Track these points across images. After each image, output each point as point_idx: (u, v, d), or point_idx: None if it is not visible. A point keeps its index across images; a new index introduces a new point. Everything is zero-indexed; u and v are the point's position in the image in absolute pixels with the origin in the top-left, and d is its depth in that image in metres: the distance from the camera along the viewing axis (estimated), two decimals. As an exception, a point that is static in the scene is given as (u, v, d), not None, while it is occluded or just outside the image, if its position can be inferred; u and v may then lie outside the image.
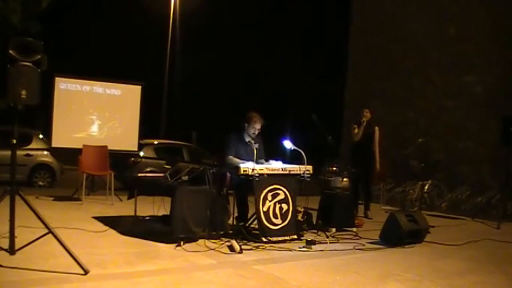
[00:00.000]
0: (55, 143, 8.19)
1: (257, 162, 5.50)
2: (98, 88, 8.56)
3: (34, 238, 3.88)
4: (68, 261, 3.66)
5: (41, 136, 10.55)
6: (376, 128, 7.78)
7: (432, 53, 11.14)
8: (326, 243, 5.33)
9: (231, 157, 5.65)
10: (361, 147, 7.66)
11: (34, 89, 3.79)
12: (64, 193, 8.04)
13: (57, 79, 8.11)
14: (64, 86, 8.20)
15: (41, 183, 10.44)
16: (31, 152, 10.26)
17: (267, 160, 5.75)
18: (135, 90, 8.87)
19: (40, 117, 13.37)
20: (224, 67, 23.18)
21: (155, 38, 21.01)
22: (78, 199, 7.48)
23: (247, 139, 5.75)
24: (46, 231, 3.78)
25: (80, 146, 7.87)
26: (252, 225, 5.62)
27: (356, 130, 7.67)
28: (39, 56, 3.82)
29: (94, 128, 8.47)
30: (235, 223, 5.63)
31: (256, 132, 5.75)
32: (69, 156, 9.74)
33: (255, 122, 5.71)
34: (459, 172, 10.24)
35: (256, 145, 5.61)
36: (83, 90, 8.37)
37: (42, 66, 3.84)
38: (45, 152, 10.40)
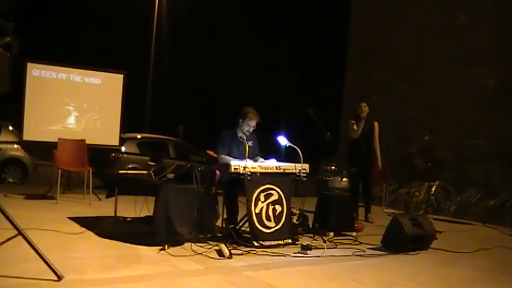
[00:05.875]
0: (27, 136, 8.14)
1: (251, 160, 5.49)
2: (76, 76, 8.51)
3: (2, 241, 3.83)
4: (40, 265, 3.62)
5: (11, 128, 10.44)
6: (376, 123, 7.78)
7: (438, 43, 11.15)
8: (323, 248, 5.33)
9: (222, 156, 5.65)
10: (359, 144, 7.65)
11: (3, 76, 3.72)
12: (37, 191, 7.99)
13: (29, 64, 8.05)
14: (37, 73, 8.14)
15: (11, 179, 10.36)
16: (-1, 146, 10.17)
17: (264, 158, 5.75)
18: (116, 79, 8.85)
19: (10, 107, 13.26)
20: (215, 57, 23.12)
21: (140, 24, 20.89)
22: (52, 198, 7.43)
23: (240, 135, 5.75)
24: (16, 232, 3.73)
25: (55, 140, 7.81)
26: (243, 228, 5.61)
27: (355, 126, 7.64)
28: (8, 39, 3.75)
29: (71, 120, 8.44)
30: (224, 225, 5.62)
31: (251, 130, 5.77)
32: (42, 150, 9.69)
33: (251, 119, 5.72)
34: (468, 172, 10.28)
35: (250, 142, 5.60)
36: (58, 78, 8.32)
37: (12, 50, 3.77)
38: (16, 146, 10.31)
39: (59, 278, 3.57)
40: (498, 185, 9.69)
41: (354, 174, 7.43)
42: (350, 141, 7.81)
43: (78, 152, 7.83)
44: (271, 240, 5.25)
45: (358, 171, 7.52)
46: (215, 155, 6.03)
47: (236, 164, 5.24)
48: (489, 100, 10.22)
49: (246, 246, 5.07)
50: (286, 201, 5.50)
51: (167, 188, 5.08)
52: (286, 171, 5.61)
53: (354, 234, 6.19)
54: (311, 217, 6.31)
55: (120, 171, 6.81)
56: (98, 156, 9.30)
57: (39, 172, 10.86)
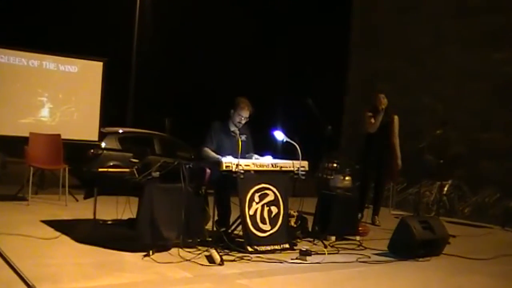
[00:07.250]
0: (-5, 131, 8.09)
1: (243, 157, 5.49)
2: (50, 63, 8.51)
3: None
4: (9, 274, 3.62)
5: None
6: (396, 117, 7.79)
7: (452, 26, 11.17)
8: (324, 254, 5.35)
9: (206, 149, 5.68)
10: (374, 140, 7.66)
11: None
12: (6, 191, 7.96)
13: (-6, 50, 8.03)
14: (5, 59, 8.13)
15: (-24, 179, 10.33)
16: (-36, 141, 10.13)
17: (258, 155, 5.77)
18: (95, 67, 8.85)
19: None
20: (205, 43, 23.01)
21: (121, 4, 20.78)
22: (23, 199, 7.43)
23: (233, 128, 5.79)
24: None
25: (26, 134, 7.79)
26: (235, 232, 5.63)
27: (373, 120, 7.66)
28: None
29: (44, 113, 8.43)
30: (215, 228, 5.60)
31: (242, 121, 5.81)
32: (12, 146, 9.65)
33: (242, 109, 5.76)
34: (484, 169, 10.31)
35: (243, 137, 5.61)
36: (29, 65, 8.31)
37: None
38: (-18, 142, 10.27)
39: (31, 288, 3.57)
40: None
41: (366, 172, 7.46)
42: (364, 136, 7.80)
43: (52, 148, 7.81)
44: (266, 245, 5.27)
45: (372, 168, 7.54)
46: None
47: (228, 161, 5.25)
48: (508, 89, 10.24)
49: (239, 252, 5.08)
50: (283, 202, 5.51)
51: (152, 187, 5.07)
52: (283, 169, 5.62)
53: (358, 238, 6.22)
54: (310, 219, 6.32)
55: (100, 169, 6.80)
56: (75, 153, 9.28)
57: (8, 170, 10.82)
